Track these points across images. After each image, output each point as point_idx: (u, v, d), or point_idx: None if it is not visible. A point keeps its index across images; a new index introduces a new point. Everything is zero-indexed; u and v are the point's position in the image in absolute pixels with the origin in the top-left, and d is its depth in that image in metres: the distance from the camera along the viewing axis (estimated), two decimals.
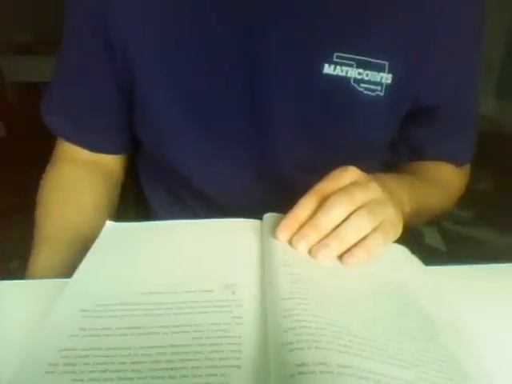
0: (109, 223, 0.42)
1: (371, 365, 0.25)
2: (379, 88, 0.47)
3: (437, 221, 1.65)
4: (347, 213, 0.34)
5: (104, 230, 0.41)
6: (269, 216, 0.41)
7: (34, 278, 0.45)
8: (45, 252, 0.47)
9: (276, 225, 0.39)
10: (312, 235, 0.34)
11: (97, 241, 0.40)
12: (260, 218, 0.42)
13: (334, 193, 0.35)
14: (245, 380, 0.25)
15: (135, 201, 0.66)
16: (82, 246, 0.38)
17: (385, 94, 0.48)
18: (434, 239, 1.59)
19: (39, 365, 0.27)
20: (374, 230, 0.34)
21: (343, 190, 0.35)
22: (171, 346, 0.28)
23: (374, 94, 0.47)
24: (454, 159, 0.58)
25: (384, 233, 0.35)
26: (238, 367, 0.26)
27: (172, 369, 0.26)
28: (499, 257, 0.43)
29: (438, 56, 0.49)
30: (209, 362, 0.26)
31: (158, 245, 0.40)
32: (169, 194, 0.60)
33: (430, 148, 0.56)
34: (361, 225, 0.34)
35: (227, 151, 0.52)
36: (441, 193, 0.56)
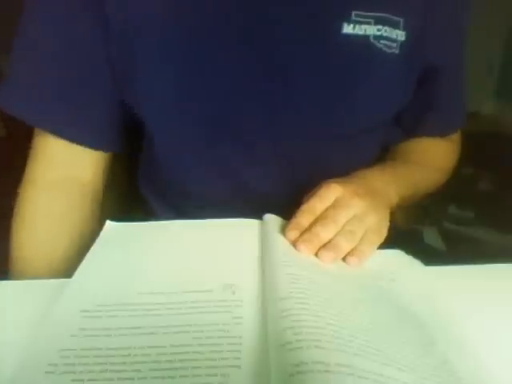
0: (109, 223, 0.42)
1: (370, 365, 0.25)
2: (395, 45, 0.48)
3: (437, 221, 1.65)
4: (341, 226, 0.39)
5: (104, 229, 0.41)
6: (269, 216, 0.41)
7: None
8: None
9: (276, 225, 0.39)
10: (315, 242, 0.37)
11: (97, 241, 0.40)
12: (260, 217, 0.42)
13: (321, 217, 0.39)
14: (245, 380, 0.25)
15: (135, 201, 0.66)
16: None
17: (400, 51, 0.48)
18: (434, 239, 1.59)
19: (39, 365, 0.27)
20: (361, 239, 0.39)
21: (327, 216, 0.39)
22: (171, 345, 0.28)
23: (390, 51, 0.48)
24: (447, 129, 0.61)
25: (369, 241, 0.39)
26: (238, 367, 0.26)
27: (172, 369, 0.26)
28: (499, 257, 0.43)
29: (440, 17, 0.50)
30: (209, 362, 0.26)
31: (158, 245, 0.40)
32: (173, 210, 0.58)
33: (429, 117, 0.58)
34: (352, 236, 0.39)
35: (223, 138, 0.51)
36: (431, 171, 0.58)
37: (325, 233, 0.38)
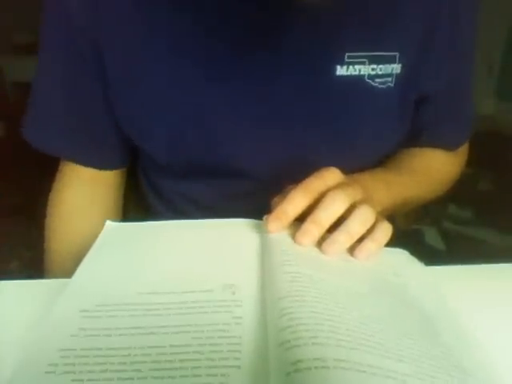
0: (109, 223, 0.42)
1: (369, 358, 0.25)
2: (390, 79, 0.47)
3: (436, 220, 1.65)
4: (345, 207, 0.35)
5: (104, 230, 0.41)
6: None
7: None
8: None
9: None
10: (314, 230, 0.35)
11: (97, 241, 0.40)
12: (260, 218, 0.42)
13: (330, 189, 0.36)
14: (245, 380, 0.25)
15: (135, 201, 0.66)
16: None
17: (395, 84, 0.47)
18: (434, 239, 1.59)
19: (39, 365, 0.27)
20: (377, 220, 0.36)
21: (337, 187, 0.36)
22: (171, 346, 0.28)
23: (385, 86, 0.47)
24: (448, 144, 0.59)
25: (387, 222, 0.36)
26: (238, 367, 0.26)
27: (172, 369, 0.26)
28: (499, 257, 0.43)
29: (439, 44, 0.49)
30: (209, 362, 0.26)
31: (158, 245, 0.40)
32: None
33: (426, 133, 0.56)
34: (366, 216, 0.35)
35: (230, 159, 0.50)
36: (428, 181, 0.56)
37: (327, 214, 0.34)
